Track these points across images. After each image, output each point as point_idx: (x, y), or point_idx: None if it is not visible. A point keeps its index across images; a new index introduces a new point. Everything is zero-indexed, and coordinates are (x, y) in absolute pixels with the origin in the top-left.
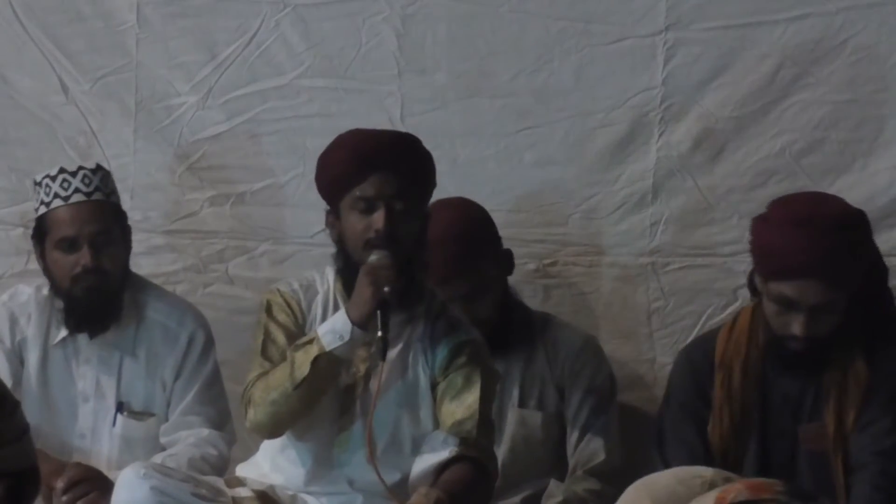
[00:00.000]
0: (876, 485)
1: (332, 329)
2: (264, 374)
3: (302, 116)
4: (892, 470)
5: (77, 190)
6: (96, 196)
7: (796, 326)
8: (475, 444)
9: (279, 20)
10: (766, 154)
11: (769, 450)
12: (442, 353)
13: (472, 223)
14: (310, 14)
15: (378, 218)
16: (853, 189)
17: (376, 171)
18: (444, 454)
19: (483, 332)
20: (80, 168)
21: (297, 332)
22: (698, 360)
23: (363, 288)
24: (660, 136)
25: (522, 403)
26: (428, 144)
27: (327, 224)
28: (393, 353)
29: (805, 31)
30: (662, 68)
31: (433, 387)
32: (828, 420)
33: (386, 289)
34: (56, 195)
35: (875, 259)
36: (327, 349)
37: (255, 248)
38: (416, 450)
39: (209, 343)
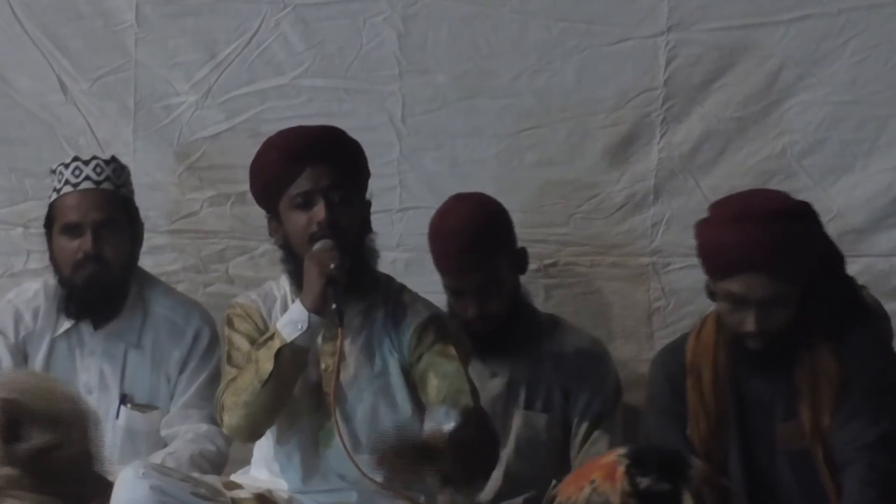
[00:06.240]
0: (866, 480)
1: (290, 320)
2: (232, 380)
3: (302, 116)
4: (880, 462)
5: (87, 178)
6: (105, 185)
7: (748, 323)
8: (476, 411)
9: (279, 20)
10: (767, 155)
11: (750, 451)
12: (406, 333)
13: (489, 218)
14: (310, 14)
15: (318, 210)
16: (854, 189)
17: (309, 165)
18: (450, 425)
19: (490, 329)
20: (94, 157)
21: (260, 338)
22: (671, 365)
23: (310, 272)
24: (661, 136)
25: (528, 405)
26: (428, 144)
27: (270, 232)
28: (358, 343)
29: (806, 31)
30: (664, 69)
31: (405, 371)
32: (803, 419)
33: (332, 265)
34: (67, 182)
35: (827, 250)
36: (288, 340)
37: (255, 248)
38: None
39: (214, 340)
